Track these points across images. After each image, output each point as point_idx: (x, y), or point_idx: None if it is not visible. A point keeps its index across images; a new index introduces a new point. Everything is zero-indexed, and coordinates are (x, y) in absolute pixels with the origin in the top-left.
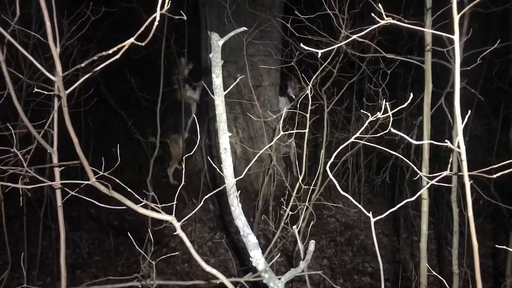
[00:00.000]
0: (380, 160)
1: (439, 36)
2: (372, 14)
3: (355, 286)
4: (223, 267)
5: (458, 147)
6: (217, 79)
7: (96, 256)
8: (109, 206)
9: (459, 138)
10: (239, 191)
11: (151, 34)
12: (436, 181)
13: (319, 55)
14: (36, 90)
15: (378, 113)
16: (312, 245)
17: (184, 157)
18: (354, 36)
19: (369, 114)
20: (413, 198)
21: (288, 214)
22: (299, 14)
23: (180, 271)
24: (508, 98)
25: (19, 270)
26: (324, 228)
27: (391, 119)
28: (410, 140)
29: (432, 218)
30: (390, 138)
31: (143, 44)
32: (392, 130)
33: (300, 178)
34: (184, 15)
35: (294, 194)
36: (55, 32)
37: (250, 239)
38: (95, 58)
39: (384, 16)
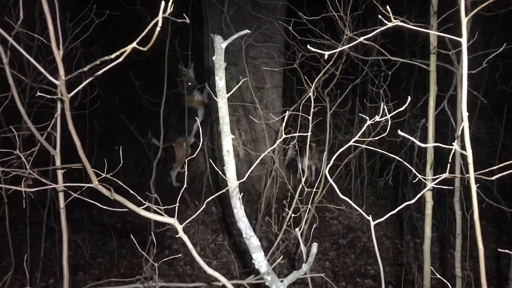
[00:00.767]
0: (383, 163)
1: (442, 39)
2: (379, 16)
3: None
4: (225, 269)
5: (464, 149)
6: (220, 82)
7: (98, 257)
8: (111, 209)
9: (466, 141)
10: (242, 194)
11: (153, 39)
12: (439, 184)
13: (326, 56)
14: (39, 93)
15: (376, 116)
16: (314, 247)
17: (186, 160)
18: (360, 39)
19: (367, 117)
20: (414, 200)
21: (291, 216)
22: (302, 16)
23: (182, 273)
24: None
25: (22, 271)
26: (327, 230)
27: (391, 121)
28: (416, 141)
29: (434, 221)
30: (392, 141)
31: (145, 49)
32: (399, 132)
33: (303, 179)
34: (187, 18)
35: (296, 196)
36: (58, 36)
37: (253, 241)
38: (97, 62)
39: (392, 18)
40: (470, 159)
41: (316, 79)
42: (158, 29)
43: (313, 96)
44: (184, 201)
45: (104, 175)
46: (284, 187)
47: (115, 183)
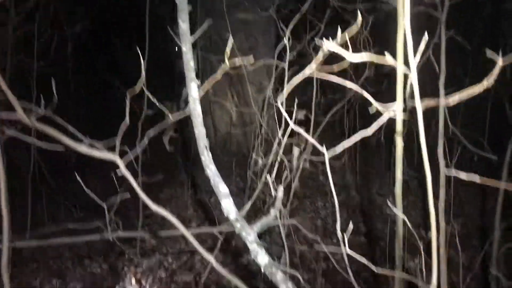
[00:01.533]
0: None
1: None
2: None
3: (349, 246)
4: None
5: None
6: (183, 24)
7: None
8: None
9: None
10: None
11: None
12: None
13: None
14: None
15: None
16: (280, 192)
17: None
18: None
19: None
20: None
21: (272, 164)
22: None
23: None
24: None
25: None
26: (320, 189)
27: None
28: None
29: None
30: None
31: None
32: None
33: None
34: None
35: (281, 148)
36: None
37: (221, 188)
38: None
39: None
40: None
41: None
42: None
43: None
44: (177, 165)
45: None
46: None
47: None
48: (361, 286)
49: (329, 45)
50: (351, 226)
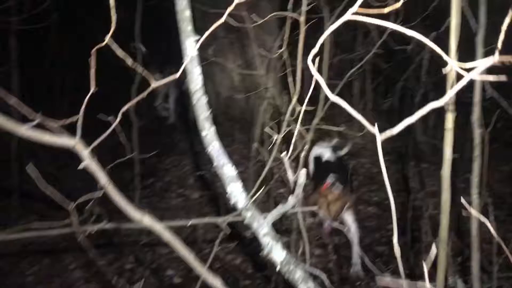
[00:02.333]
0: (388, 86)
1: None
2: None
3: (361, 217)
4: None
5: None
6: None
7: None
8: None
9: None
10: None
11: None
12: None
13: None
14: None
15: None
16: (302, 176)
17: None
18: None
19: None
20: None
21: (281, 139)
22: None
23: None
24: None
25: None
26: None
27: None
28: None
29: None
30: (398, 58)
31: None
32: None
33: (294, 99)
34: None
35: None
36: None
37: (226, 171)
38: None
39: None
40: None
41: None
42: None
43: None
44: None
45: None
46: (279, 111)
47: None
48: None
49: None
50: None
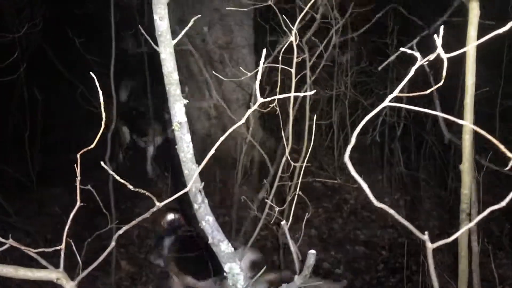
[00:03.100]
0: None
1: None
2: None
3: (348, 258)
4: None
5: None
6: (162, 23)
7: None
8: None
9: None
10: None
11: None
12: None
13: None
14: None
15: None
16: (312, 257)
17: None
18: None
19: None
20: None
21: (272, 193)
22: None
23: None
24: None
25: None
26: (310, 194)
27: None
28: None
29: (425, 175)
30: (378, 93)
31: None
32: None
33: (288, 149)
34: None
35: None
36: None
37: (223, 248)
38: None
39: None
40: None
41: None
42: None
43: (296, 42)
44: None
45: None
46: (263, 149)
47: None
48: None
49: None
50: None
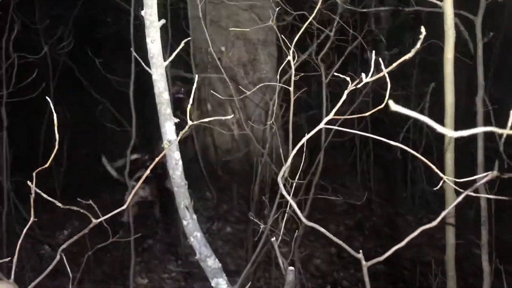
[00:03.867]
0: (390, 134)
1: None
2: None
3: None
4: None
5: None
6: (154, 45)
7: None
8: None
9: None
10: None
11: None
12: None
13: None
14: None
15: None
16: (291, 274)
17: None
18: None
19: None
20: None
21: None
22: None
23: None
24: None
25: None
26: (332, 211)
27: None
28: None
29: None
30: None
31: None
32: (392, 105)
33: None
34: None
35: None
36: None
37: (210, 264)
38: None
39: None
40: None
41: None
42: None
43: (293, 61)
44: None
45: None
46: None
47: None
48: None
49: None
50: None
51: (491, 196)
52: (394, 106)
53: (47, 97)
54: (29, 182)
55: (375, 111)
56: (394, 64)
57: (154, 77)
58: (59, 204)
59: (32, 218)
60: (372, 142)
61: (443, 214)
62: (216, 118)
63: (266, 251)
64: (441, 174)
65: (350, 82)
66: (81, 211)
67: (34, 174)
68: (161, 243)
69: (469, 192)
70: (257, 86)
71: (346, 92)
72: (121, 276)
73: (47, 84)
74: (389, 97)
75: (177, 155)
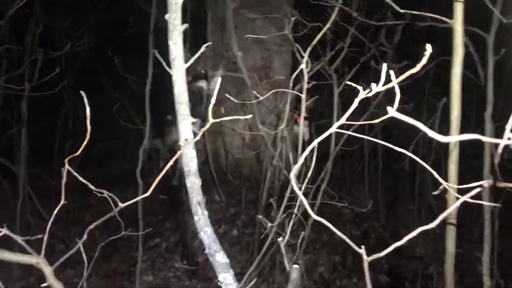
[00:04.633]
0: (400, 146)
1: None
2: None
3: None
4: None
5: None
6: (175, 48)
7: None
8: None
9: None
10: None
11: None
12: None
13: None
14: None
15: (375, 86)
16: (295, 271)
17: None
18: None
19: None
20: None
21: (283, 215)
22: None
23: None
24: None
25: None
26: (339, 219)
27: (405, 97)
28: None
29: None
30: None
31: None
32: (390, 110)
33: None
34: None
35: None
36: None
37: (218, 259)
38: None
39: None
40: None
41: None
42: None
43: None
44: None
45: None
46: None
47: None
48: None
49: None
50: None
51: (492, 204)
52: (393, 113)
53: (81, 92)
54: (67, 167)
55: (384, 118)
56: (402, 76)
57: (174, 78)
58: (92, 187)
59: (62, 201)
60: (381, 153)
61: (443, 215)
62: (235, 117)
63: (271, 254)
64: (441, 181)
65: (361, 91)
66: (110, 195)
67: (66, 161)
68: (168, 242)
69: (467, 198)
70: (270, 92)
71: (357, 99)
72: (128, 272)
73: (68, 80)
74: (399, 110)
75: (193, 153)
